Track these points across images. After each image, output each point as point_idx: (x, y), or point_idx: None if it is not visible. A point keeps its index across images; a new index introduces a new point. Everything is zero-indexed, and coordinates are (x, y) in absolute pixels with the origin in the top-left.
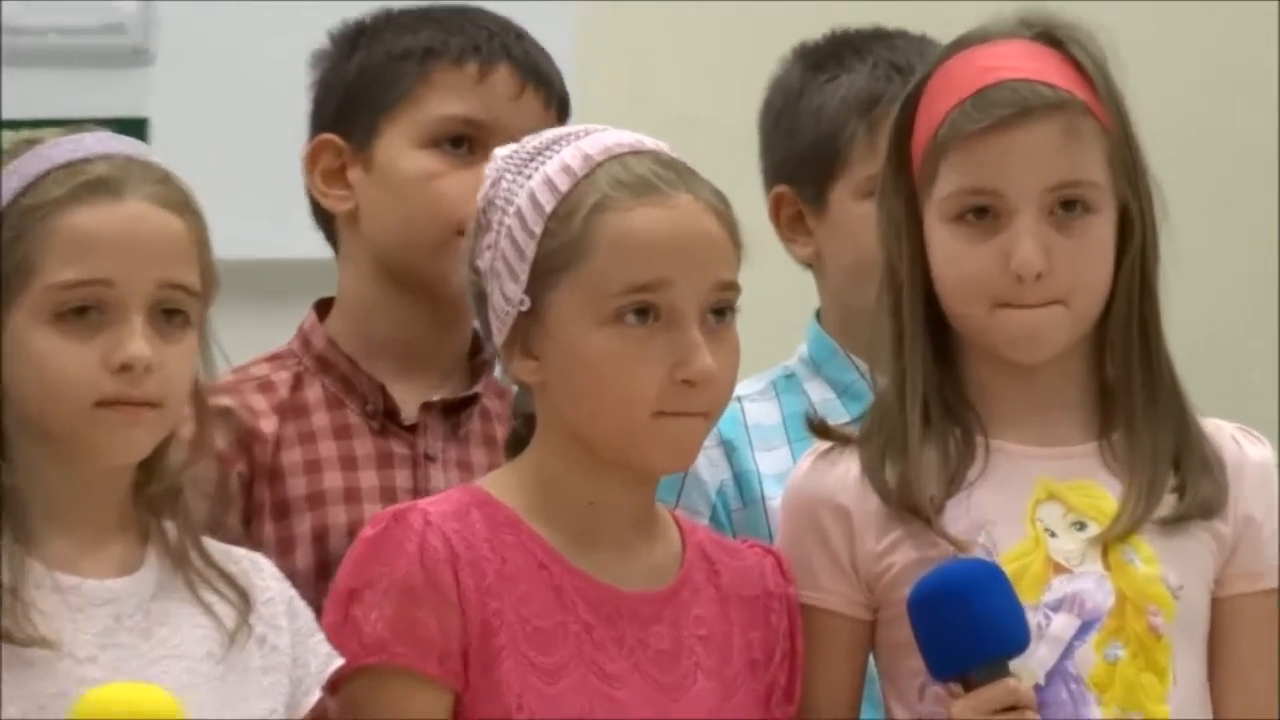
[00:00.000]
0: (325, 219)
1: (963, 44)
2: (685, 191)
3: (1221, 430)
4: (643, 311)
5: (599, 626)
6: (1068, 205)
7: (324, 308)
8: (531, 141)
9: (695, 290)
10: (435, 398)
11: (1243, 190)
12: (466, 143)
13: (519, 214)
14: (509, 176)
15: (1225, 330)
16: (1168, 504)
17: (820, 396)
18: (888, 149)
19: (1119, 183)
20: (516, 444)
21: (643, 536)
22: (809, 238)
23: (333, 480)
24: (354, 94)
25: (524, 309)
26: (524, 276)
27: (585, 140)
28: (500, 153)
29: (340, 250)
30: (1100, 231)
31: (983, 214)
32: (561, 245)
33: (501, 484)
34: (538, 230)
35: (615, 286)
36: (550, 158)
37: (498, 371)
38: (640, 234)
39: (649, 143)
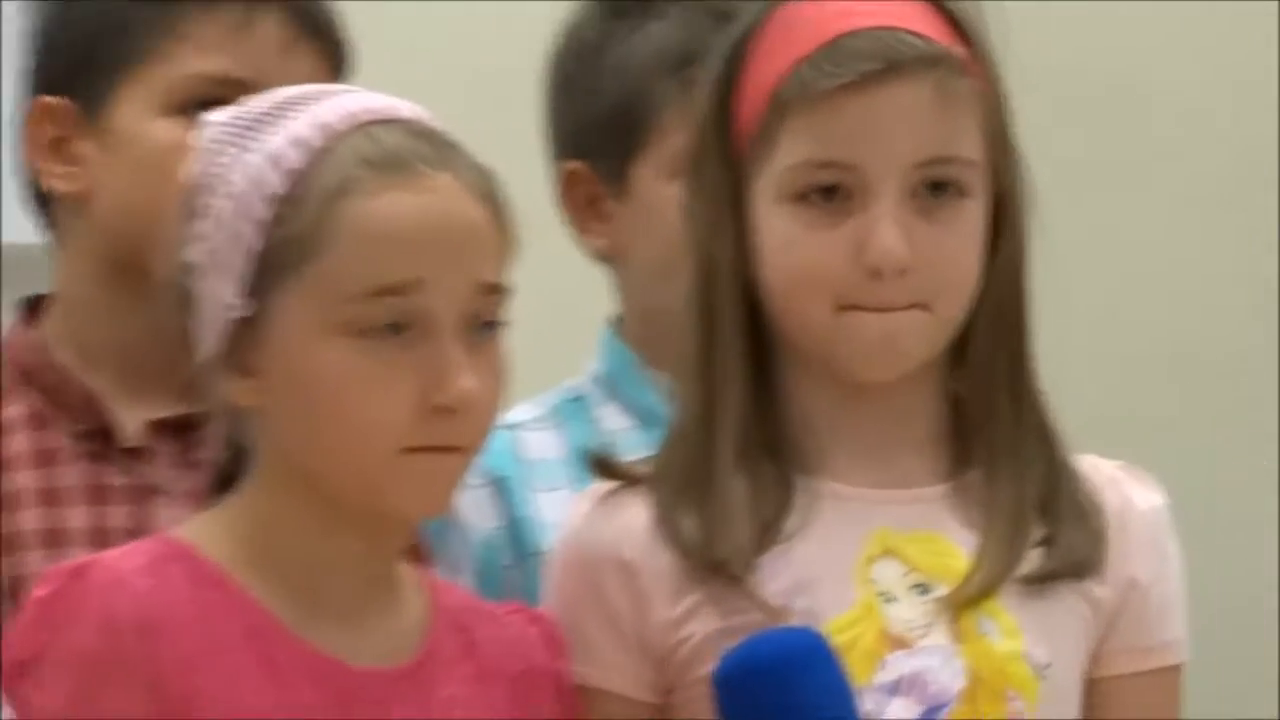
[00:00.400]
0: (43, 200)
1: None
2: (444, 170)
3: (1099, 470)
4: (390, 321)
5: (325, 710)
6: (936, 187)
7: (34, 307)
8: (255, 105)
9: (454, 294)
10: (166, 414)
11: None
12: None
13: (237, 196)
14: (224, 149)
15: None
16: (1032, 560)
17: (616, 424)
18: (706, 108)
19: (996, 162)
20: (224, 482)
21: (381, 599)
22: (606, 225)
23: (30, 519)
24: (83, 49)
25: (241, 315)
26: (241, 275)
27: (324, 105)
28: (213, 118)
29: (60, 237)
30: (972, 220)
31: (831, 193)
32: (290, 237)
33: (207, 532)
34: (260, 216)
35: (355, 288)
36: (279, 126)
37: None
38: (387, 224)
39: (405, 109)
